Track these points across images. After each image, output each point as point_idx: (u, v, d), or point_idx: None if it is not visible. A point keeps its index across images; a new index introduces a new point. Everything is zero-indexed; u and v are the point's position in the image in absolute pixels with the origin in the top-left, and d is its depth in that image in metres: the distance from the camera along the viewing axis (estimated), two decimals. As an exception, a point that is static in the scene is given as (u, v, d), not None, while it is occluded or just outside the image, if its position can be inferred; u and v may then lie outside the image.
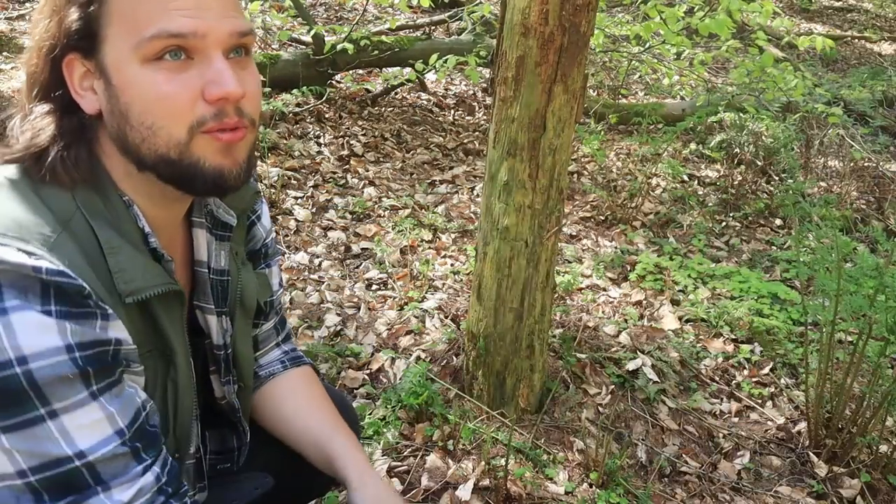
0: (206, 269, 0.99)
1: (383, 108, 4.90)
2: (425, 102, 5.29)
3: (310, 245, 3.12)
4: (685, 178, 4.41)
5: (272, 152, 3.72)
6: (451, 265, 3.06)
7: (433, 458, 1.91)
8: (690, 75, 4.99)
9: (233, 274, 1.02)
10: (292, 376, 1.21)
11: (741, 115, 4.24)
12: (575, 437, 2.06)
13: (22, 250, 0.71)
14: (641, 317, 2.82)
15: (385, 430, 2.00)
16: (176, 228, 0.95)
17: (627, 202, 3.85)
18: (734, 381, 2.49)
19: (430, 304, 2.69)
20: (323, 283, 2.84)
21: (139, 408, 0.81)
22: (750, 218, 3.95)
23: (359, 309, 2.68)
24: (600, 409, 2.22)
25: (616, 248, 3.46)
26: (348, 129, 4.39)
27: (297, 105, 4.35)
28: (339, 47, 4.21)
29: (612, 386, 2.31)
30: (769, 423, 2.30)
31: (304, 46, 4.79)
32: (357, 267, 3.02)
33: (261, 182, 3.39)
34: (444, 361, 2.30)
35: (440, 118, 5.03)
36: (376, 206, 3.55)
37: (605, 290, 3.03)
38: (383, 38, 4.61)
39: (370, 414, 2.07)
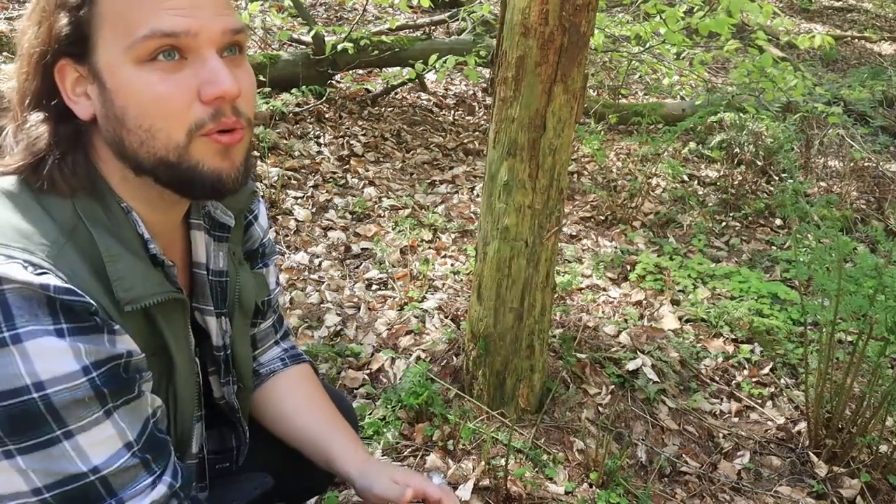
0: (205, 270, 0.99)
1: (383, 108, 4.90)
2: (425, 102, 5.30)
3: (310, 245, 3.12)
4: (685, 178, 4.41)
5: (272, 152, 3.72)
6: (451, 265, 3.06)
7: (433, 458, 1.91)
8: (690, 75, 4.99)
9: (231, 275, 1.02)
10: (292, 374, 1.21)
11: (741, 115, 4.24)
12: (575, 437, 2.06)
13: (28, 263, 0.71)
14: (641, 317, 2.82)
15: (385, 430, 2.00)
16: (175, 232, 0.95)
17: (627, 202, 3.85)
18: (734, 381, 2.49)
19: (430, 304, 2.69)
20: (323, 283, 2.84)
21: (148, 416, 0.81)
22: (750, 218, 3.95)
23: (359, 309, 2.68)
24: (600, 409, 2.22)
25: (616, 248, 3.46)
26: (348, 129, 4.39)
27: (297, 105, 4.35)
28: (339, 47, 4.21)
29: (612, 386, 2.31)
30: (769, 423, 2.30)
31: (304, 46, 4.79)
32: (357, 267, 3.02)
33: (261, 182, 3.39)
34: (444, 361, 2.30)
35: (440, 118, 5.03)
36: (376, 206, 3.55)
37: (605, 290, 3.03)
38: (383, 38, 4.61)
39: (370, 414, 2.07)
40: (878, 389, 2.02)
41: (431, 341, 2.43)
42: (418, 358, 2.33)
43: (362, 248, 3.15)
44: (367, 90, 5.03)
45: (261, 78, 4.00)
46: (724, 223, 3.87)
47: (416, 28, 5.53)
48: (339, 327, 2.55)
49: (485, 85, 5.60)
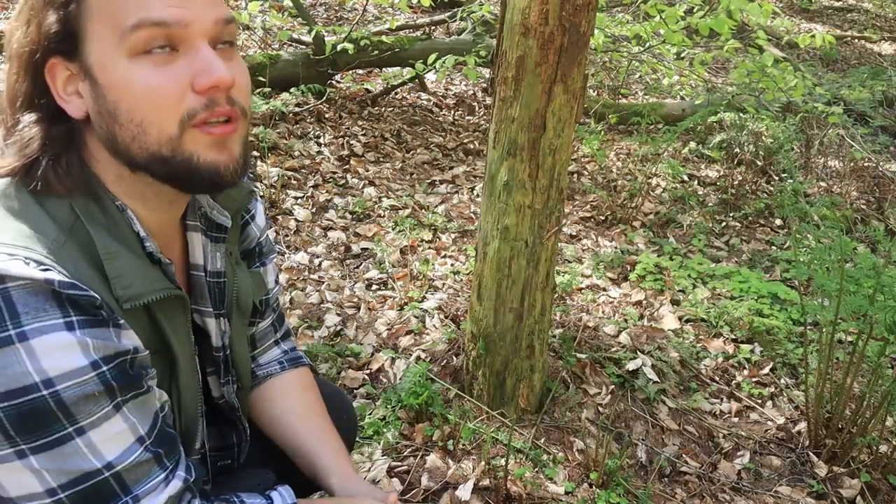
0: (203, 272, 0.99)
1: (383, 108, 4.90)
2: (425, 102, 5.30)
3: (310, 245, 3.12)
4: (685, 178, 4.41)
5: (272, 152, 3.72)
6: (451, 265, 3.06)
7: (433, 458, 1.91)
8: (690, 75, 4.99)
9: (228, 275, 1.02)
10: (288, 379, 1.20)
11: (741, 115, 4.24)
12: (575, 437, 2.06)
13: (30, 259, 0.71)
14: (641, 317, 2.82)
15: (385, 430, 2.00)
16: (173, 233, 0.94)
17: (627, 202, 3.85)
18: (734, 381, 2.49)
19: (430, 304, 2.69)
20: (323, 283, 2.84)
21: (157, 411, 0.81)
22: (750, 218, 3.95)
23: (359, 309, 2.68)
24: (600, 409, 2.22)
25: (616, 248, 3.46)
26: (348, 129, 4.39)
27: (297, 105, 4.35)
28: (339, 47, 4.21)
29: (612, 386, 2.31)
30: (769, 423, 2.30)
31: (304, 46, 4.79)
32: (357, 267, 3.02)
33: (261, 182, 3.39)
34: (444, 361, 2.30)
35: (440, 118, 5.04)
36: (376, 206, 3.55)
37: (605, 290, 3.03)
38: (383, 38, 4.61)
39: (370, 414, 2.07)
40: (878, 389, 2.02)
41: (431, 341, 2.43)
42: (418, 358, 2.33)
43: (362, 248, 3.15)
44: (367, 90, 5.03)
45: (261, 78, 4.01)
46: (724, 223, 3.87)
47: (416, 28, 5.53)
48: (339, 327, 2.55)
49: (485, 85, 5.60)
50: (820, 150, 4.54)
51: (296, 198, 3.47)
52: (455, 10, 5.42)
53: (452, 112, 5.21)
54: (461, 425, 2.00)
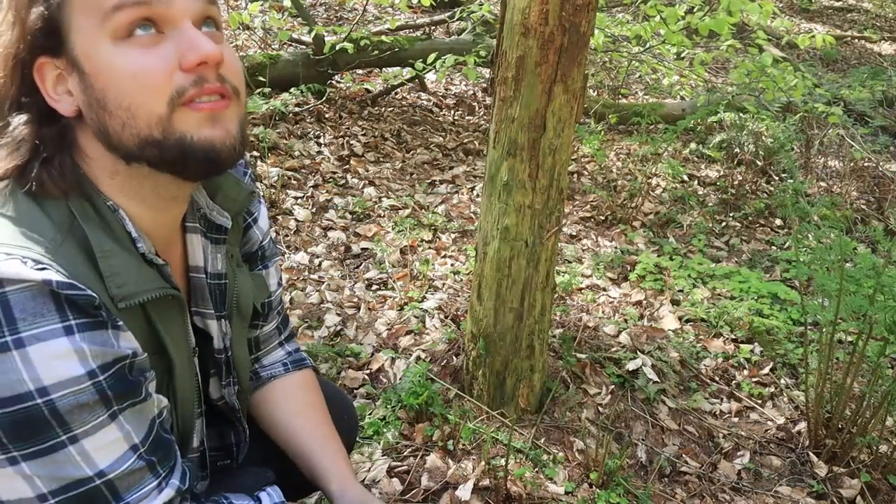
0: (204, 274, 0.98)
1: (383, 108, 4.90)
2: (425, 102, 5.30)
3: (310, 245, 3.12)
4: (685, 178, 4.41)
5: (272, 152, 3.72)
6: (451, 265, 3.06)
7: (433, 458, 1.91)
8: (690, 75, 4.99)
9: (229, 277, 1.01)
10: (291, 381, 1.20)
11: (741, 115, 4.24)
12: (575, 437, 2.06)
13: (27, 258, 0.70)
14: (641, 317, 2.82)
15: (385, 430, 2.00)
16: (172, 234, 0.93)
17: (627, 202, 3.85)
18: (734, 381, 2.49)
19: (430, 304, 2.69)
20: (323, 283, 2.84)
21: (153, 418, 0.80)
22: (750, 218, 3.95)
23: (359, 309, 2.68)
24: (600, 409, 2.22)
25: (616, 248, 3.46)
26: (348, 129, 4.39)
27: (297, 105, 4.35)
28: (339, 47, 4.22)
29: (612, 386, 2.31)
30: (769, 423, 2.30)
31: (304, 46, 4.79)
32: (357, 267, 3.02)
33: (261, 182, 3.39)
34: (444, 361, 2.30)
35: (440, 118, 5.04)
36: (376, 206, 3.55)
37: (605, 290, 3.03)
38: (383, 38, 4.61)
39: (370, 414, 2.07)
40: (878, 389, 2.02)
41: (431, 341, 2.43)
42: (418, 358, 2.33)
43: (362, 248, 3.15)
44: (367, 90, 5.03)
45: (261, 78, 4.01)
46: (724, 223, 3.87)
47: (416, 28, 5.53)
48: (339, 327, 2.55)
49: (485, 85, 5.60)
50: (820, 150, 4.54)
51: (296, 198, 3.47)
52: (455, 10, 5.42)
53: (452, 112, 5.21)
54: (461, 425, 2.00)
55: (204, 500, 0.88)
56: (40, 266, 0.70)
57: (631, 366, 2.39)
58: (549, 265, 1.98)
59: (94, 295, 0.72)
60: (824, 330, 2.12)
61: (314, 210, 3.41)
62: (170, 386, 0.89)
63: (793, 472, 2.10)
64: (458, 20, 5.26)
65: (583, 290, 2.98)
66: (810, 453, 2.13)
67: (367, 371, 2.31)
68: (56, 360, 0.69)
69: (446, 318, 2.60)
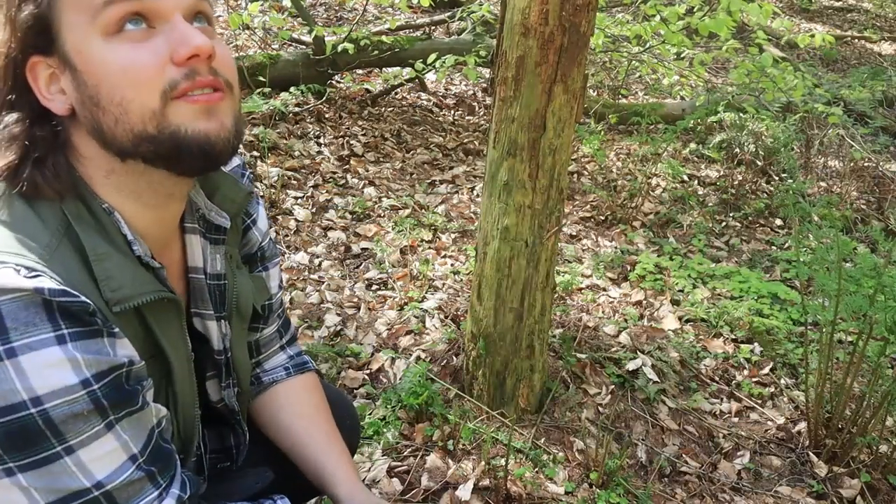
0: (203, 274, 0.97)
1: (383, 108, 4.90)
2: (425, 102, 5.30)
3: (310, 245, 3.12)
4: (685, 178, 4.41)
5: (272, 152, 3.72)
6: (451, 265, 3.06)
7: (433, 458, 1.91)
8: (690, 75, 4.99)
9: (229, 278, 1.01)
10: (293, 385, 1.19)
11: (741, 115, 4.24)
12: (575, 437, 2.06)
13: (21, 266, 0.69)
14: (641, 317, 2.82)
15: (385, 430, 2.00)
16: (171, 234, 0.93)
17: (627, 202, 3.85)
18: (734, 381, 2.49)
19: (430, 304, 2.69)
20: (323, 283, 2.84)
21: (153, 427, 0.79)
22: (750, 218, 3.95)
23: (359, 309, 2.68)
24: (600, 409, 2.22)
25: (616, 248, 3.46)
26: (348, 129, 4.39)
27: (297, 105, 4.35)
28: (339, 47, 4.21)
29: (612, 386, 2.31)
30: (769, 423, 2.30)
31: (304, 46, 4.79)
32: (357, 267, 3.02)
33: (261, 182, 3.39)
34: (444, 361, 2.30)
35: (440, 118, 5.04)
36: (376, 206, 3.55)
37: (605, 290, 3.03)
38: (383, 38, 4.61)
39: (370, 414, 2.07)
40: (878, 389, 2.02)
41: (431, 341, 2.43)
42: (418, 358, 2.33)
43: (362, 248, 3.15)
44: (367, 90, 5.03)
45: (261, 78, 4.00)
46: (724, 223, 3.87)
47: (416, 28, 5.53)
48: (339, 327, 2.55)
49: (485, 85, 5.60)
50: (820, 150, 4.54)
51: (296, 198, 3.47)
52: (455, 10, 5.42)
53: (452, 112, 5.22)
54: (461, 425, 2.00)
55: None
56: (34, 273, 0.69)
57: (631, 366, 2.39)
58: (549, 265, 1.98)
59: (89, 301, 0.72)
60: (824, 330, 2.12)
61: (314, 210, 3.41)
62: (169, 390, 0.89)
63: (793, 472, 2.10)
64: (458, 20, 5.27)
65: (583, 290, 2.98)
66: (810, 453, 2.13)
67: (367, 371, 2.31)
68: (49, 370, 0.68)
69: (446, 318, 2.60)
